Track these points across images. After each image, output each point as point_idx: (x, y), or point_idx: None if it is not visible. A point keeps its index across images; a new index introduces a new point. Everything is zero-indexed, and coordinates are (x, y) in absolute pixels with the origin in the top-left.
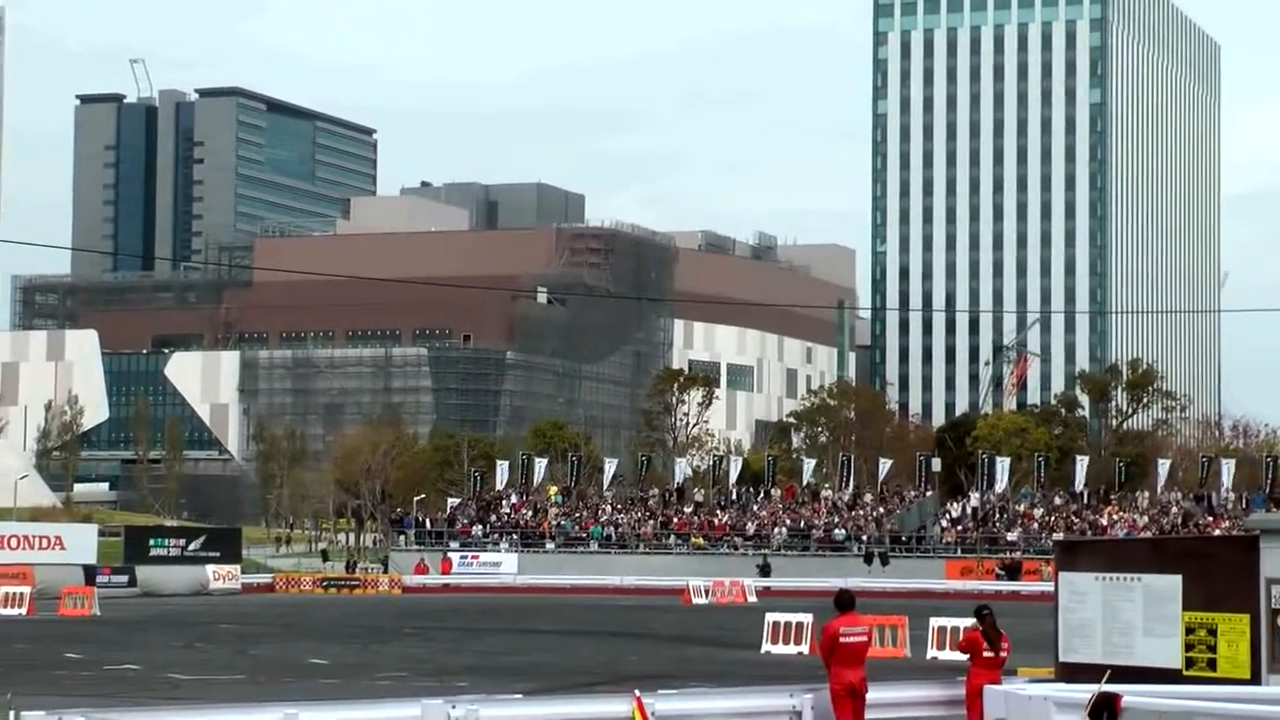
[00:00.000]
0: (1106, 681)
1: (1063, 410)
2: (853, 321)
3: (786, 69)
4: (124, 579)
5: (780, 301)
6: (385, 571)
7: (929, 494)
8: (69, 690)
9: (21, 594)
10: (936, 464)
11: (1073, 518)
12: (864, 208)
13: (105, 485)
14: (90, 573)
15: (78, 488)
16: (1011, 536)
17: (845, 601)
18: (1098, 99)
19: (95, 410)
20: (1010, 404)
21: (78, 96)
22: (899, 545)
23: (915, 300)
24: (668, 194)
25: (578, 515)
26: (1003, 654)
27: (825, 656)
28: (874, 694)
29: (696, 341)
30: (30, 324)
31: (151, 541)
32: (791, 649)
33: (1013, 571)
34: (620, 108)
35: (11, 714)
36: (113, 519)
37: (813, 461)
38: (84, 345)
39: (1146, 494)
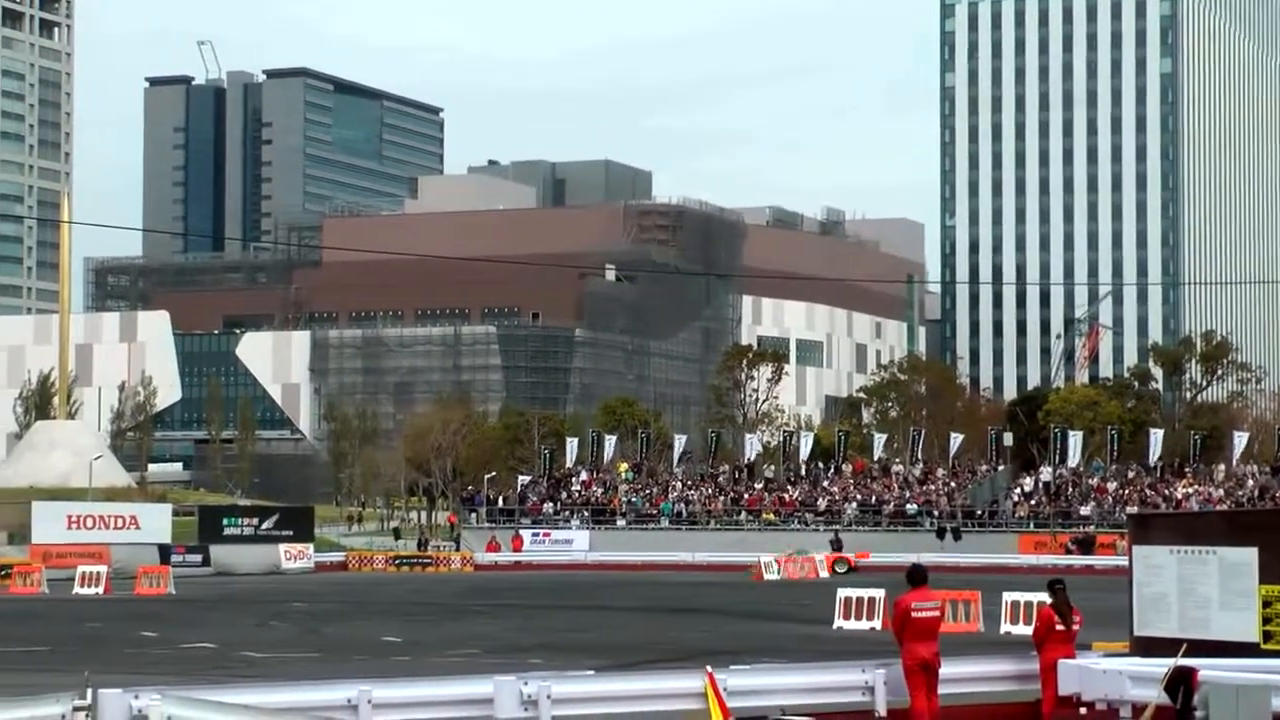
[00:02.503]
0: (1183, 655)
1: (1135, 383)
2: (922, 296)
3: (853, 43)
4: (198, 558)
5: (849, 276)
6: (457, 549)
7: (1001, 468)
8: (145, 669)
9: (98, 573)
10: (1008, 438)
11: (1146, 491)
12: (933, 181)
13: (179, 465)
14: (165, 552)
15: (152, 468)
16: (1085, 510)
17: (918, 576)
18: (1168, 69)
19: (168, 391)
20: (1082, 377)
21: (146, 79)
22: (971, 520)
23: (985, 274)
24: (735, 170)
25: (648, 492)
26: (1074, 628)
27: (897, 631)
28: (947, 668)
29: (765, 317)
30: (103, 306)
31: (225, 521)
32: (864, 624)
33: (1086, 545)
34: (686, 83)
35: (89, 692)
36: (186, 499)
37: (883, 437)
38: (156, 326)
39: (1222, 467)
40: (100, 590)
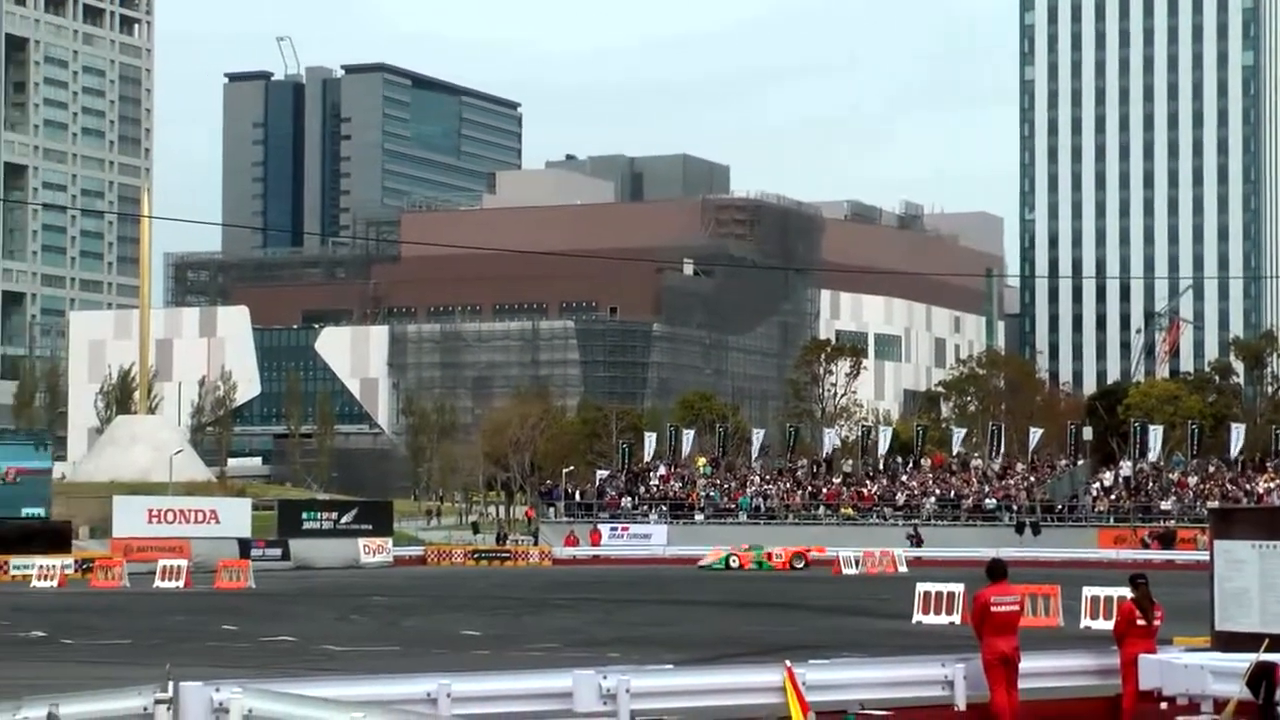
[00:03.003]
0: (1265, 651)
1: (1216, 377)
2: (1001, 290)
3: (933, 35)
4: (277, 552)
5: (927, 270)
6: (535, 544)
7: (1080, 463)
8: (226, 662)
9: (179, 567)
10: (1088, 432)
11: (1227, 485)
12: (1012, 175)
13: (258, 459)
14: (245, 546)
15: (231, 462)
16: (1165, 505)
17: (997, 570)
18: (1250, 61)
19: (247, 386)
20: (1162, 371)
21: (226, 75)
22: (1050, 515)
23: (1065, 267)
24: (813, 164)
25: (726, 486)
26: (1156, 623)
27: (977, 626)
28: (1027, 663)
29: (843, 311)
30: (183, 301)
31: (304, 515)
32: (943, 619)
33: (1166, 540)
34: (764, 74)
35: (170, 685)
36: (266, 493)
37: (962, 431)
38: (235, 321)
39: None
40: (181, 584)
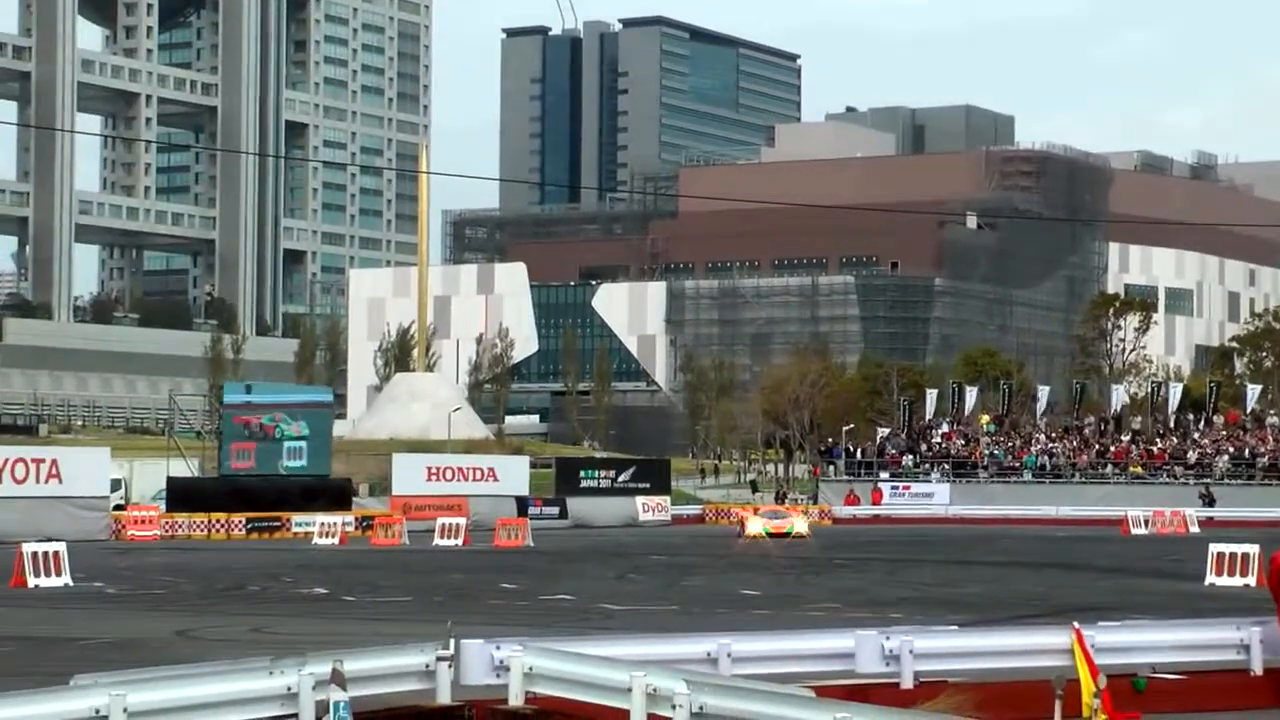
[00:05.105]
0: None
1: None
2: None
3: None
4: (555, 510)
5: (1221, 221)
6: (815, 502)
7: None
8: (506, 620)
9: (458, 525)
10: None
11: None
12: None
13: (535, 417)
14: (523, 504)
15: (509, 420)
16: None
17: None
18: None
19: (525, 343)
20: None
21: (503, 30)
22: None
23: None
24: (1102, 114)
25: (1010, 444)
26: None
27: (1274, 588)
28: None
29: (1132, 265)
30: (461, 258)
31: (582, 473)
32: (1237, 581)
33: None
34: (1048, 23)
35: (451, 642)
36: (543, 451)
37: (1257, 388)
38: (513, 278)
39: None
40: (459, 542)
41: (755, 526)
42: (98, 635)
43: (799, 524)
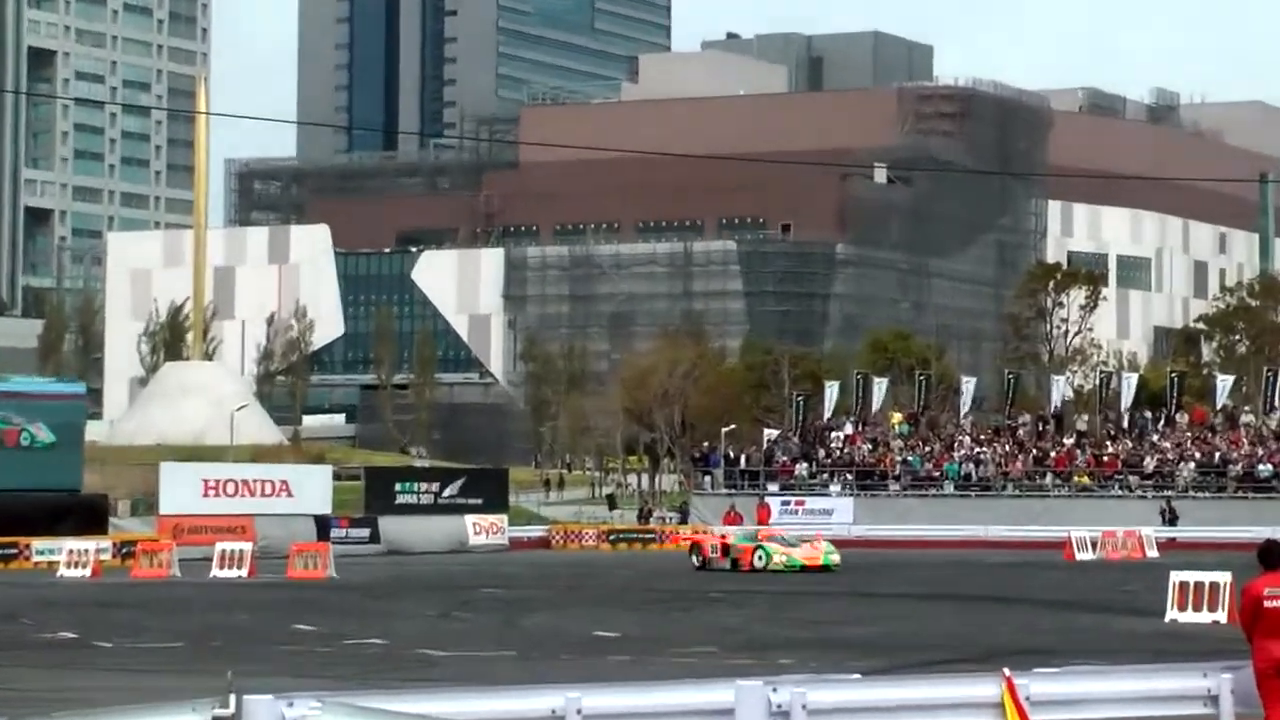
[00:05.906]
0: None
1: None
2: (1278, 200)
3: None
4: (364, 533)
5: (1185, 175)
6: (685, 522)
7: None
8: (302, 670)
9: (241, 552)
10: None
11: None
12: None
13: (340, 417)
14: (324, 525)
15: (307, 420)
16: None
17: (1273, 555)
18: None
19: (327, 324)
20: None
21: None
22: None
23: None
24: (1038, 43)
25: (928, 450)
26: None
27: (1247, 626)
28: None
29: (1077, 228)
30: (248, 219)
31: (398, 486)
32: (1204, 616)
33: None
34: None
35: (232, 699)
36: (350, 459)
37: (1229, 379)
38: (313, 244)
39: None
40: (244, 573)
41: (777, 557)
42: None
43: (834, 554)
